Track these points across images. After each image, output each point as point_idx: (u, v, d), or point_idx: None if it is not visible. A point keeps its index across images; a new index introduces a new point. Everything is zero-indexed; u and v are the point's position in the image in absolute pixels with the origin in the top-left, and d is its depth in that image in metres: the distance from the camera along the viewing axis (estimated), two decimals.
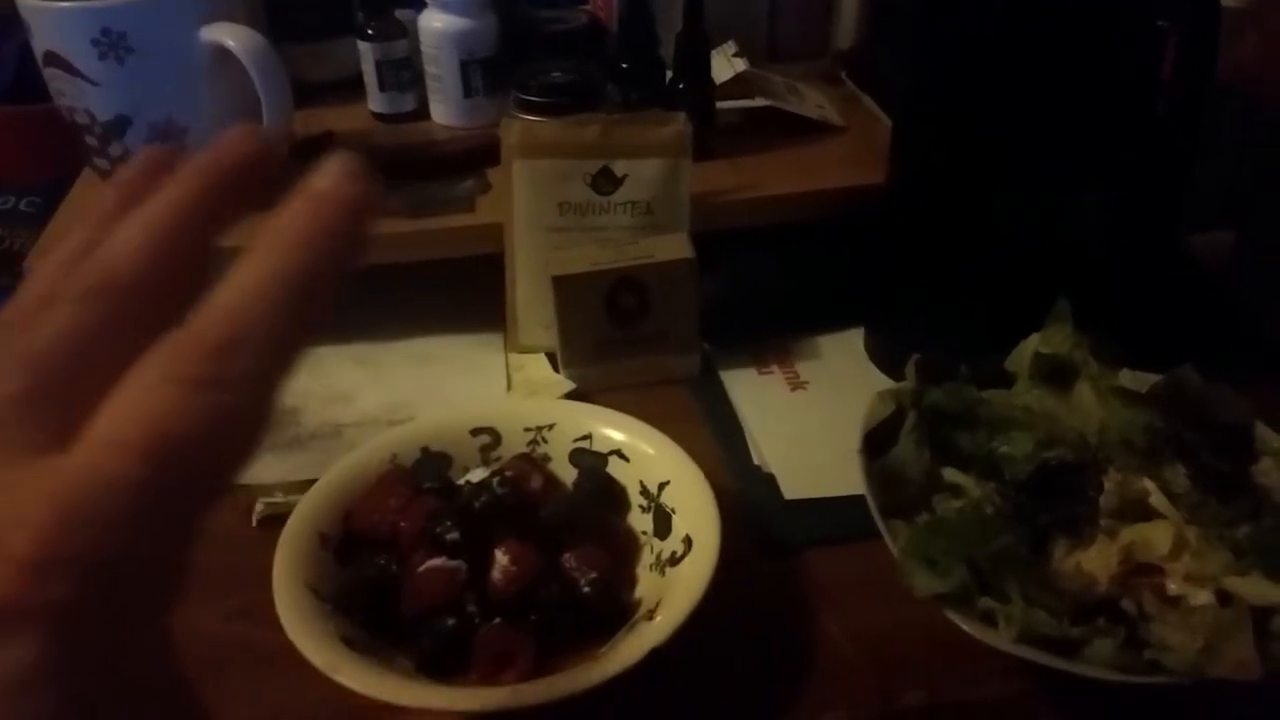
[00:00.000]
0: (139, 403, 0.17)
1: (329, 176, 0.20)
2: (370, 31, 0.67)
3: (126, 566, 0.17)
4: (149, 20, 0.53)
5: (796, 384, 0.56)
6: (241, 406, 0.18)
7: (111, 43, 0.52)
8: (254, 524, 0.47)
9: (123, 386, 0.18)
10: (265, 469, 0.49)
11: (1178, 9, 0.44)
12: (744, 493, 0.48)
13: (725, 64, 0.66)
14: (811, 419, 0.53)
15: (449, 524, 0.41)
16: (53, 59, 0.54)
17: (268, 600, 0.39)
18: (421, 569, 0.40)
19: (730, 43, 0.67)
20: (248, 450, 0.18)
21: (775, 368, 0.57)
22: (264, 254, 0.19)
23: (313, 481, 0.45)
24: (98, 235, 0.21)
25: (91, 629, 0.16)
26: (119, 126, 0.55)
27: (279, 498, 0.47)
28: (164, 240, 0.20)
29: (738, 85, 0.66)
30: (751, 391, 0.55)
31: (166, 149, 0.23)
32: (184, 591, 0.18)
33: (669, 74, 0.63)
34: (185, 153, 0.23)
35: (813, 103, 0.69)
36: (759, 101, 0.65)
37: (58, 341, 0.19)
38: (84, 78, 0.53)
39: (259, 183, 0.22)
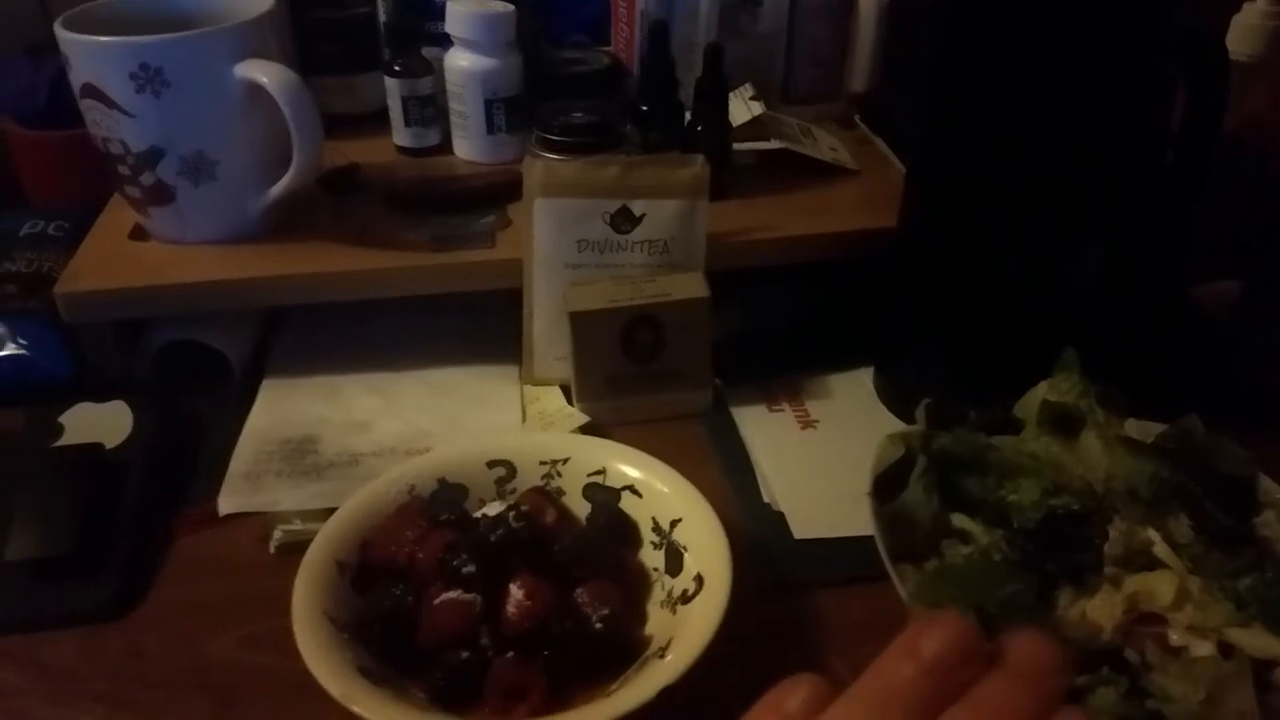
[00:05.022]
0: None
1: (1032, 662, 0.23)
2: (397, 68, 0.68)
3: None
4: (186, 56, 0.54)
5: (807, 422, 0.57)
6: None
7: (149, 77, 0.53)
8: (271, 551, 0.48)
9: None
10: (283, 497, 0.50)
11: (1186, 60, 0.45)
12: (753, 530, 0.49)
13: (742, 107, 0.67)
14: (821, 458, 0.54)
15: (465, 557, 0.41)
16: (90, 91, 0.55)
17: (284, 628, 0.39)
18: (437, 601, 0.40)
19: (747, 85, 0.69)
20: None
21: (786, 405, 0.58)
22: None
23: (330, 510, 0.45)
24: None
25: None
26: (152, 157, 0.56)
27: (296, 525, 0.48)
28: None
29: (754, 128, 0.67)
30: (762, 429, 0.56)
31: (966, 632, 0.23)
32: None
33: (688, 116, 0.64)
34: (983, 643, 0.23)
35: (826, 146, 0.70)
36: (774, 144, 0.67)
37: None
38: (120, 110, 0.54)
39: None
